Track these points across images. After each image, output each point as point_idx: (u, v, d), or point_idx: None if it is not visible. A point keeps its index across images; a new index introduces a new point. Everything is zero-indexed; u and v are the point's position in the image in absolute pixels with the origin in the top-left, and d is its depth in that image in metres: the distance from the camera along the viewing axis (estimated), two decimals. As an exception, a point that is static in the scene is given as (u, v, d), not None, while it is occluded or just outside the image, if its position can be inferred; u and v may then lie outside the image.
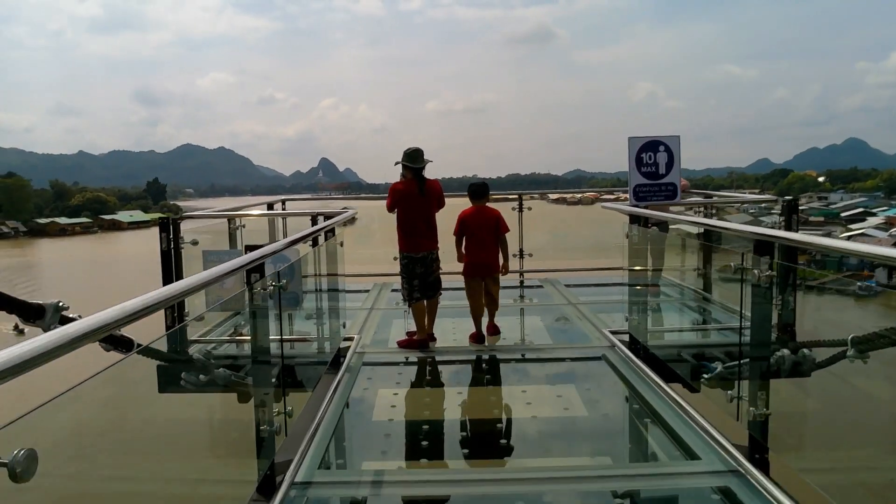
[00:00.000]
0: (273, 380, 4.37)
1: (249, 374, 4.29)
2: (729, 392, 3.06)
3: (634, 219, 4.62)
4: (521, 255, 8.27)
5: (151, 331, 2.65)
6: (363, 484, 3.25)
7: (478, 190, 5.45)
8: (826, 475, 2.85)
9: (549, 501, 3.19)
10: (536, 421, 4.13)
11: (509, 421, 4.25)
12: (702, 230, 5.44)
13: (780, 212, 4.89)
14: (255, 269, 2.86)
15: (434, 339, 5.39)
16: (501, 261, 5.55)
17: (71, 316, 2.54)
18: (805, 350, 3.20)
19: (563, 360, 5.04)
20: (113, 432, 2.77)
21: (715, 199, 6.27)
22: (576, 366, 4.98)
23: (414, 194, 5.20)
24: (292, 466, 3.21)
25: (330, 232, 4.75)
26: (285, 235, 7.47)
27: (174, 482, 2.67)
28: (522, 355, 5.20)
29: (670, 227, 5.04)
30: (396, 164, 5.31)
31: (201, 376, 3.05)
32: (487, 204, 5.48)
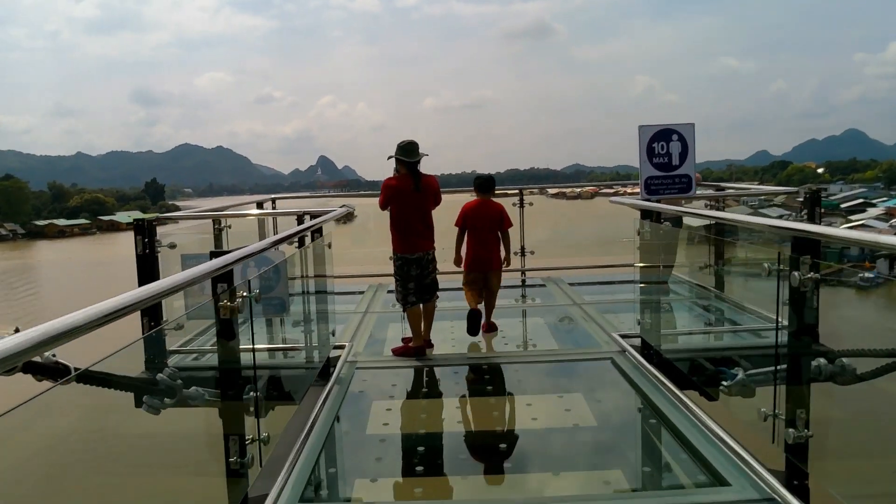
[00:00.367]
0: (247, 401, 4.05)
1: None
2: (762, 409, 2.71)
3: (646, 214, 4.26)
4: (523, 253, 7.94)
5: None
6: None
7: (484, 183, 5.36)
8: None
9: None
10: (542, 434, 3.81)
11: (513, 434, 3.91)
12: (709, 223, 5.10)
13: (801, 203, 4.54)
14: (222, 278, 2.50)
15: (431, 346, 5.04)
16: (503, 254, 5.48)
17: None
18: (844, 359, 2.86)
19: (569, 366, 4.69)
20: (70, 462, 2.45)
21: (730, 191, 5.91)
22: (583, 372, 4.63)
23: (408, 190, 4.84)
24: (272, 495, 2.86)
25: (317, 232, 4.39)
26: (277, 233, 7.19)
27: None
28: (525, 361, 4.84)
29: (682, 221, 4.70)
30: (389, 158, 4.95)
31: (166, 399, 2.70)
32: (492, 198, 5.41)
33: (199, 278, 2.28)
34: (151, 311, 4.66)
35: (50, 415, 1.95)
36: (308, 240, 4.51)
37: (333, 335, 4.54)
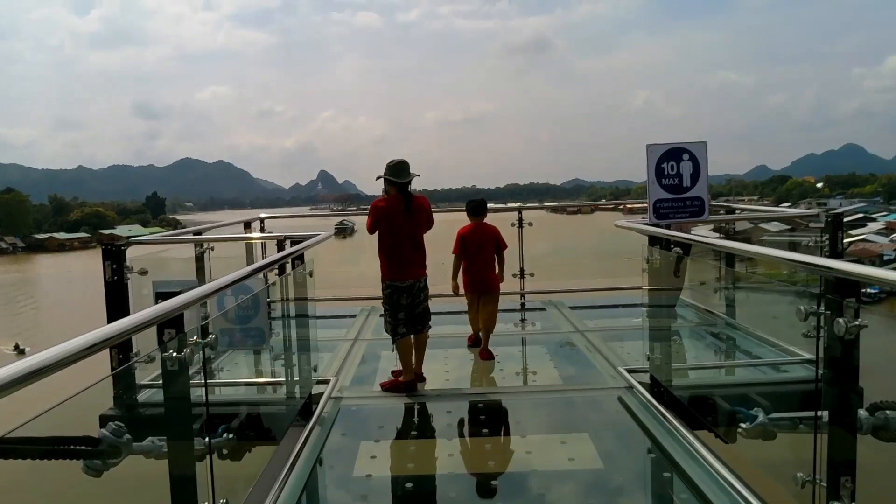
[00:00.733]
0: (217, 444, 3.69)
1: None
2: (799, 475, 2.35)
3: (654, 240, 3.92)
4: (522, 275, 7.59)
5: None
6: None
7: (476, 207, 5.39)
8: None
9: None
10: (542, 477, 3.48)
11: (511, 478, 3.56)
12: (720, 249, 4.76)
13: (821, 227, 4.20)
14: (170, 324, 2.16)
15: (423, 380, 4.67)
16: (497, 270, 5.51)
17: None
18: (888, 411, 2.51)
19: (572, 403, 4.32)
20: None
21: (744, 213, 5.56)
22: (588, 410, 4.27)
23: (399, 212, 4.51)
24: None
25: (298, 259, 4.05)
26: (265, 256, 6.85)
27: None
28: (525, 397, 4.47)
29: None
30: (378, 178, 4.62)
31: (109, 460, 2.34)
32: (485, 220, 5.43)
33: (140, 326, 1.93)
34: (121, 343, 4.31)
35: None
36: (289, 267, 4.18)
37: (315, 371, 4.18)
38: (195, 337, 2.31)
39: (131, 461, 2.65)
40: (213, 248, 5.88)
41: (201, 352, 2.39)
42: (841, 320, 2.02)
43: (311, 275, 4.07)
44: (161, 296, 2.17)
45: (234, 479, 3.51)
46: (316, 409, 4.13)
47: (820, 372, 2.29)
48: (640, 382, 4.19)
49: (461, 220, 5.67)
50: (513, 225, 7.43)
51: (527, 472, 3.59)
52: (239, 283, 4.30)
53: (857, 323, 2.00)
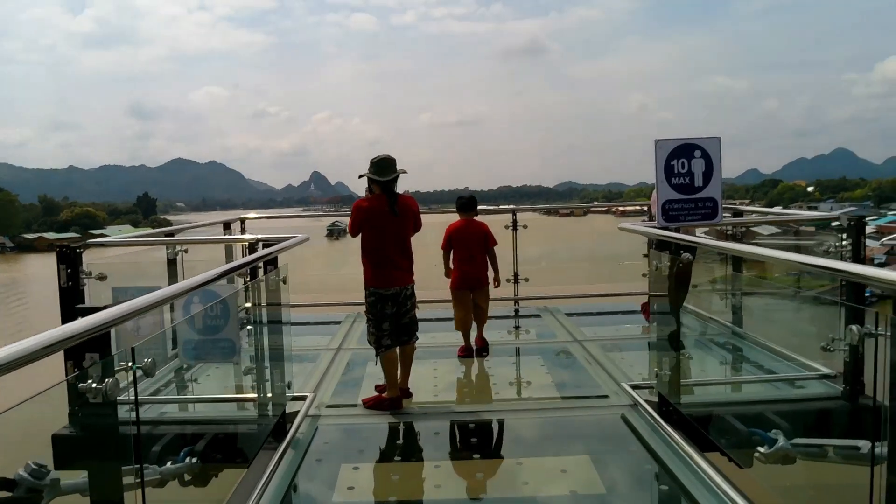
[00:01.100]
0: (179, 470, 3.33)
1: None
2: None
3: (662, 244, 3.56)
4: (516, 280, 7.24)
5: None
6: None
7: (466, 203, 5.37)
8: None
9: None
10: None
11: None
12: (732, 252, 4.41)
13: (843, 232, 3.85)
14: (92, 346, 1.78)
15: (409, 395, 4.30)
16: (492, 274, 5.48)
17: None
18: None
19: (571, 422, 3.95)
20: None
21: (765, 217, 5.20)
22: (588, 430, 3.90)
23: (383, 213, 4.13)
24: None
25: (270, 263, 3.66)
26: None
27: None
28: (520, 415, 4.09)
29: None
30: (361, 176, 4.24)
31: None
32: (476, 217, 5.39)
33: (40, 351, 1.55)
34: (76, 352, 3.91)
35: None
36: (261, 273, 3.79)
37: (290, 388, 3.79)
38: (125, 362, 1.92)
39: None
40: (186, 251, 5.49)
41: (132, 377, 2.00)
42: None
43: (284, 281, 3.68)
44: (82, 311, 1.78)
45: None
46: (290, 428, 3.75)
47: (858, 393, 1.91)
48: (646, 401, 3.82)
49: (454, 220, 5.51)
50: (507, 227, 7.09)
51: (522, 497, 3.24)
52: (205, 290, 3.97)
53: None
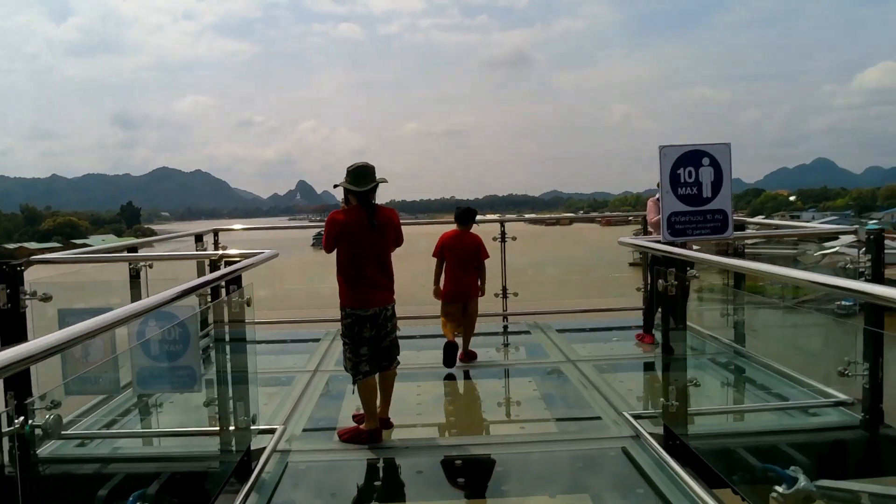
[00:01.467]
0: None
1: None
2: None
3: (669, 261, 3.22)
4: (505, 294, 6.89)
5: None
6: None
7: (463, 215, 5.35)
8: None
9: None
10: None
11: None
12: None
13: (859, 246, 3.55)
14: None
15: (390, 426, 3.91)
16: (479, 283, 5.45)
17: None
18: None
19: (568, 456, 3.57)
20: None
21: (781, 230, 4.87)
22: (586, 466, 3.52)
23: (361, 227, 3.76)
24: None
25: (234, 283, 3.27)
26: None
27: None
28: (511, 448, 3.71)
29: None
30: (336, 186, 3.87)
31: None
32: (471, 230, 5.38)
33: None
34: (17, 381, 3.52)
35: None
36: (224, 293, 3.41)
37: (254, 422, 3.39)
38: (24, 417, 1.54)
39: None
40: (151, 266, 5.09)
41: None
42: None
43: (248, 303, 3.29)
44: None
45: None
46: (256, 466, 3.35)
47: None
48: (651, 433, 3.47)
49: (444, 231, 5.48)
50: (494, 239, 6.75)
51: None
52: (162, 312, 3.58)
53: None
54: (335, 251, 3.83)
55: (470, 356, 5.34)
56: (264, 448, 3.49)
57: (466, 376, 5.18)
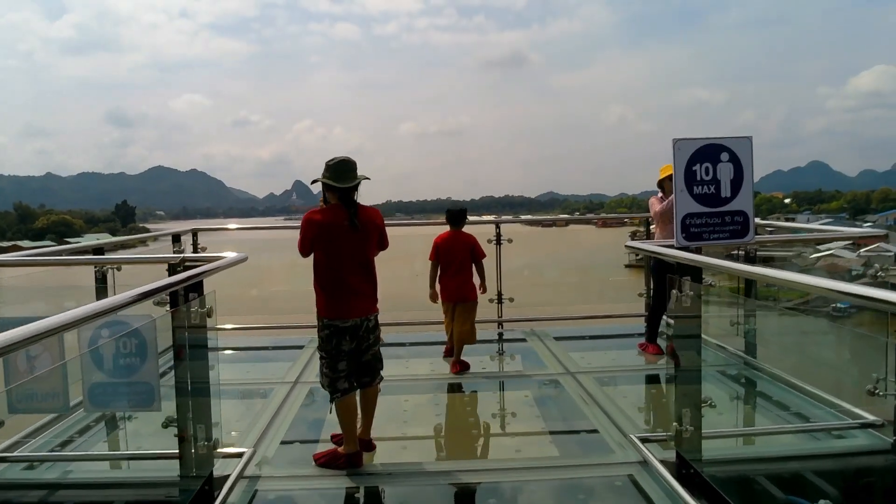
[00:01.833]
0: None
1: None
2: None
3: (681, 268, 2.87)
4: (500, 300, 6.54)
5: None
6: None
7: (454, 216, 5.29)
8: None
9: None
10: None
11: None
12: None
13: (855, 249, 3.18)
14: None
15: (372, 448, 3.54)
16: (478, 281, 5.45)
17: None
18: None
19: (569, 485, 3.21)
20: None
21: (808, 234, 4.51)
22: (591, 497, 3.16)
23: (340, 228, 3.39)
24: None
25: (193, 290, 2.90)
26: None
27: None
28: (506, 475, 3.34)
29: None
30: (315, 182, 3.51)
31: None
32: (464, 229, 5.33)
33: None
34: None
35: None
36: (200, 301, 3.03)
37: (215, 446, 3.01)
38: None
39: None
40: (119, 269, 4.72)
41: None
42: None
43: (209, 313, 2.92)
44: None
45: None
46: (218, 495, 2.98)
47: None
48: (661, 459, 3.11)
49: (439, 233, 5.38)
50: (490, 241, 6.40)
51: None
52: (118, 321, 3.22)
53: None
54: (312, 255, 3.46)
55: (462, 366, 5.17)
56: (229, 475, 3.11)
57: (458, 389, 4.82)
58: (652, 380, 5.11)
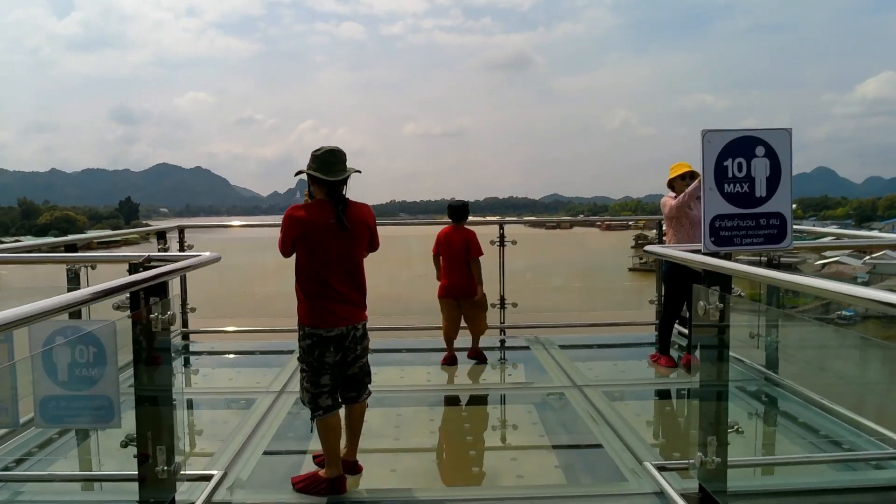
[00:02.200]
0: None
1: None
2: None
3: (709, 277, 2.52)
4: (503, 305, 6.20)
5: None
6: None
7: (455, 211, 5.33)
8: None
9: None
10: None
11: None
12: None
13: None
14: None
15: (358, 471, 3.19)
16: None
17: None
18: None
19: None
20: None
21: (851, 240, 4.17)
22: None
23: (326, 227, 3.04)
24: None
25: (155, 293, 2.56)
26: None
27: None
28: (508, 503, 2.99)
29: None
30: (298, 174, 3.17)
31: None
32: (466, 226, 5.35)
33: None
34: None
35: None
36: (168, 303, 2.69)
37: (175, 472, 2.66)
38: None
39: None
40: (94, 267, 4.38)
41: None
42: None
43: (172, 320, 2.58)
44: None
45: None
46: (183, 527, 2.63)
47: None
48: (681, 492, 2.75)
49: (431, 235, 5.46)
50: (493, 243, 6.07)
51: None
52: (70, 327, 2.90)
53: None
54: (294, 256, 3.12)
55: (478, 355, 5.38)
56: (194, 502, 2.77)
57: (456, 402, 4.48)
58: (665, 395, 4.75)
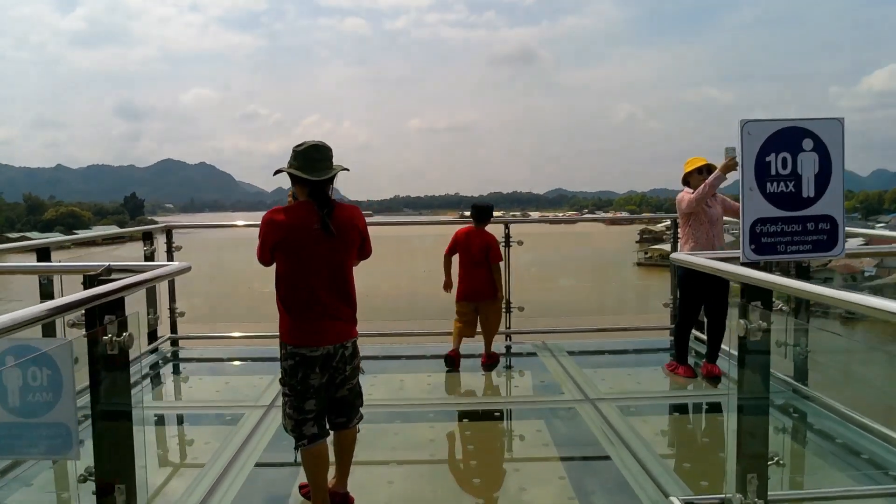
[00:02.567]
0: None
1: None
2: None
3: (751, 292, 2.17)
4: (508, 310, 5.85)
5: None
6: None
7: (479, 212, 5.16)
8: None
9: None
10: None
11: None
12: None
13: None
14: None
15: (349, 501, 2.86)
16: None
17: None
18: None
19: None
20: None
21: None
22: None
23: (309, 231, 2.70)
24: None
25: (110, 310, 2.22)
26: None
27: None
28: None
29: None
30: (278, 172, 2.83)
31: None
32: (487, 228, 5.19)
33: None
34: None
35: None
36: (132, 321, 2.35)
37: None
38: None
39: None
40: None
41: None
42: None
43: (129, 341, 2.25)
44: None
45: None
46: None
47: None
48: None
49: (449, 231, 5.31)
50: (498, 243, 5.72)
51: None
52: (20, 345, 2.57)
53: None
54: (274, 265, 2.78)
55: (492, 359, 5.15)
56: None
57: (458, 418, 4.13)
58: (684, 410, 4.42)
